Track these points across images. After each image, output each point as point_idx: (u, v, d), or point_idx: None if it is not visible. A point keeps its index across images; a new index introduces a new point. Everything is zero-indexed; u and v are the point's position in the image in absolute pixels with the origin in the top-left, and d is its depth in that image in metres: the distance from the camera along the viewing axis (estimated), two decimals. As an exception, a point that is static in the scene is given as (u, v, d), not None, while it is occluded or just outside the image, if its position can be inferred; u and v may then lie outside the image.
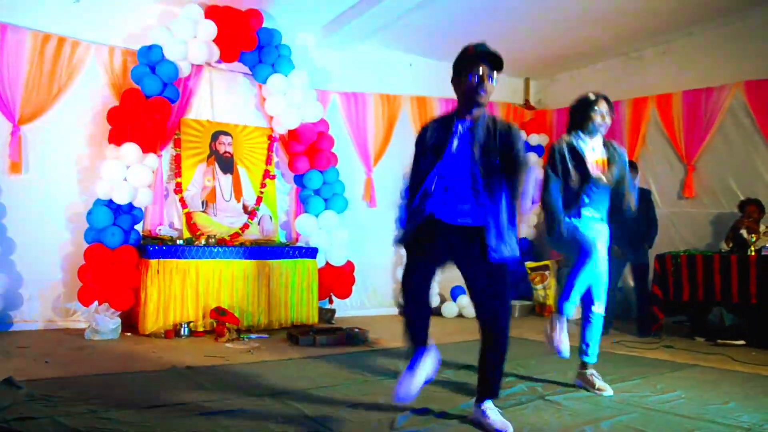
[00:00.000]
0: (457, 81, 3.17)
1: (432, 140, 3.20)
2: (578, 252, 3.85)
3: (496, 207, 3.11)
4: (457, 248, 3.14)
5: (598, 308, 4.02)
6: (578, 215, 3.94)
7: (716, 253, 6.11)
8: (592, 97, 3.96)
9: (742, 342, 5.85)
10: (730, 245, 6.33)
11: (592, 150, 3.97)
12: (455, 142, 3.14)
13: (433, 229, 3.12)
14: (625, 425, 3.22)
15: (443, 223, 3.12)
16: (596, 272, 3.88)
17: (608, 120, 3.95)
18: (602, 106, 3.92)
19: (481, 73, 3.07)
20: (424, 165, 3.20)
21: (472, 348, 5.55)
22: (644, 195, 6.74)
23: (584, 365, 4.06)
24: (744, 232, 6.17)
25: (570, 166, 3.92)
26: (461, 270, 3.24)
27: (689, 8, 6.87)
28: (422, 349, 3.10)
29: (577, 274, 3.85)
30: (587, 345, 4.05)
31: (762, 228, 6.14)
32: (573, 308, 3.88)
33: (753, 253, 5.81)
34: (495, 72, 3.10)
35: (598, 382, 3.95)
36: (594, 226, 3.97)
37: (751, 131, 7.01)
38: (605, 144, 4.05)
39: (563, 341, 3.81)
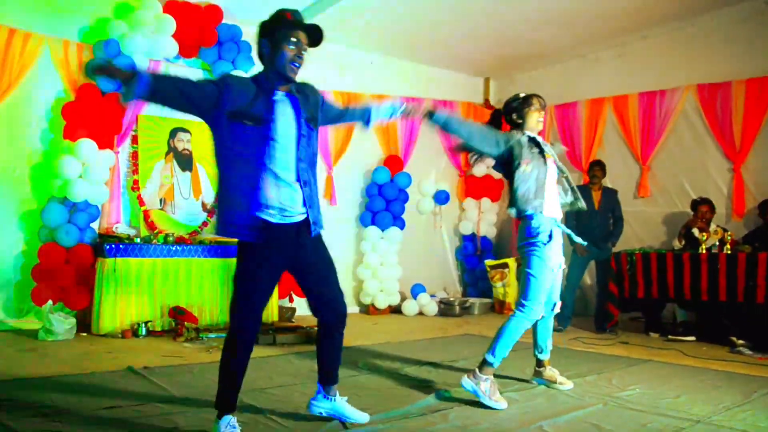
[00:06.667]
0: (270, 47, 2.80)
1: (250, 107, 2.75)
2: None
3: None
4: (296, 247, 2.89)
5: (557, 309, 4.03)
6: None
7: (669, 251, 6.27)
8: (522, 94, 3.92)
9: (692, 338, 6.02)
10: (683, 243, 6.51)
11: None
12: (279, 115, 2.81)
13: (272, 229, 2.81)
14: (582, 420, 3.28)
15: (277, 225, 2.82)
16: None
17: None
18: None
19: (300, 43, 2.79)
20: (245, 133, 2.75)
21: (432, 345, 5.61)
22: (611, 194, 6.88)
23: (541, 363, 4.12)
24: (696, 231, 6.34)
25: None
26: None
27: (643, 12, 7.03)
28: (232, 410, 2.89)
29: None
30: (544, 344, 4.10)
31: (712, 227, 6.32)
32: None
33: (704, 252, 5.97)
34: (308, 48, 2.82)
35: (559, 378, 4.02)
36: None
37: (703, 133, 7.21)
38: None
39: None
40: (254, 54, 2.96)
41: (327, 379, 3.16)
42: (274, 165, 2.79)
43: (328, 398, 3.16)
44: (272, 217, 2.79)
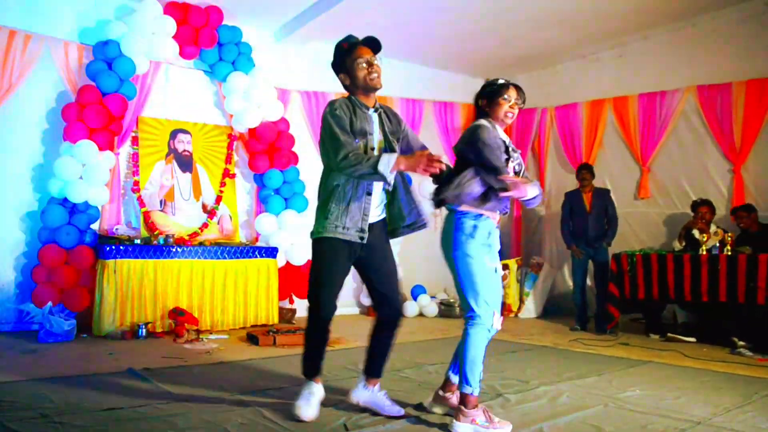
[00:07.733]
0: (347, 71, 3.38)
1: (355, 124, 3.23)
2: None
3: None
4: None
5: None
6: None
7: (670, 253, 6.26)
8: (501, 81, 3.32)
9: (693, 339, 6.02)
10: (683, 244, 6.51)
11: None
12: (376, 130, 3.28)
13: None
14: (582, 421, 3.28)
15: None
16: None
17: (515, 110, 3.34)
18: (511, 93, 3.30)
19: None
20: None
21: (432, 347, 5.60)
22: (603, 194, 6.93)
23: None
24: (696, 233, 6.34)
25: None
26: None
27: (643, 13, 7.03)
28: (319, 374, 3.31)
29: None
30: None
31: (713, 228, 6.32)
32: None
33: (704, 253, 5.97)
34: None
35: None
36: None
37: (703, 134, 7.21)
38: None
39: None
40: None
41: (371, 371, 3.39)
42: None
43: (367, 388, 3.35)
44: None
